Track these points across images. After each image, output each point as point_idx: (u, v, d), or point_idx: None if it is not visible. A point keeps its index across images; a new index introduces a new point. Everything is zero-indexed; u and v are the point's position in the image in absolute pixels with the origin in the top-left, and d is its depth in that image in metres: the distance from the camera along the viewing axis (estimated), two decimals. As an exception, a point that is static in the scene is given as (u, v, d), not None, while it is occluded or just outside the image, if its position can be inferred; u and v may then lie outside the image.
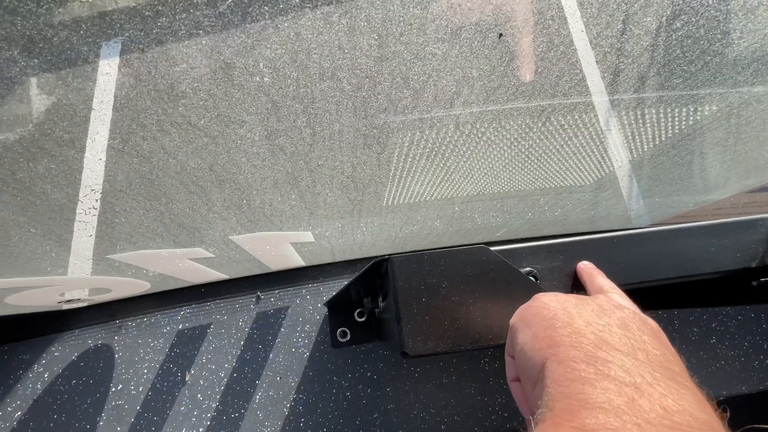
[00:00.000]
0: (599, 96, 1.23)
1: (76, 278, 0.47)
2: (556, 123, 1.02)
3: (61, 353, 0.56)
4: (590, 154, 0.99)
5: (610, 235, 0.39)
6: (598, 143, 1.01)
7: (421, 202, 0.81)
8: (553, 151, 0.96)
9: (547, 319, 0.31)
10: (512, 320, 0.34)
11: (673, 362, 0.28)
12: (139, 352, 0.57)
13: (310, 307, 0.61)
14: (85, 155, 2.21)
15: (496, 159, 0.96)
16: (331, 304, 0.58)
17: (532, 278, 0.37)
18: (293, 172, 1.11)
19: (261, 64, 1.46)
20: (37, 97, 2.05)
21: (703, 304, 0.58)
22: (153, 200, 1.71)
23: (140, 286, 0.54)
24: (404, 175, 0.93)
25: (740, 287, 0.41)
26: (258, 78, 1.46)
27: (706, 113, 1.02)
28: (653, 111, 1.10)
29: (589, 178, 0.92)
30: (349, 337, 0.59)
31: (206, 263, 0.52)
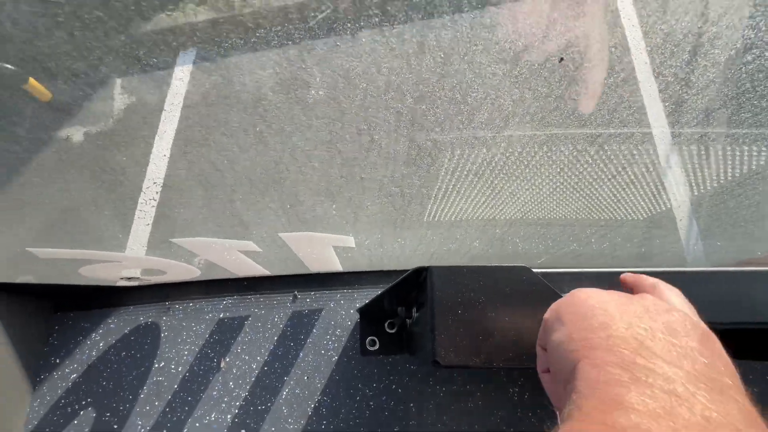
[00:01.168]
0: (659, 127, 1.17)
1: (140, 257, 0.52)
2: (609, 152, 0.98)
3: (115, 326, 0.61)
4: (645, 187, 0.94)
5: (664, 270, 0.37)
6: (655, 177, 0.96)
7: (463, 220, 0.80)
8: (605, 180, 0.92)
9: (585, 318, 0.29)
10: (546, 314, 0.32)
11: (723, 373, 0.25)
12: (182, 334, 0.60)
13: (342, 312, 0.63)
14: (152, 151, 2.41)
15: (544, 184, 0.94)
16: (363, 312, 0.59)
17: None
18: (347, 176, 1.15)
19: (336, 74, 1.54)
20: (120, 96, 2.28)
21: (758, 357, 0.52)
22: (208, 197, 1.82)
23: (191, 272, 0.58)
24: (449, 191, 0.94)
25: None
26: (331, 86, 1.54)
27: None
28: (718, 147, 1.03)
29: (641, 212, 0.87)
30: (377, 346, 0.59)
31: (253, 257, 0.55)
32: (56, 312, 0.60)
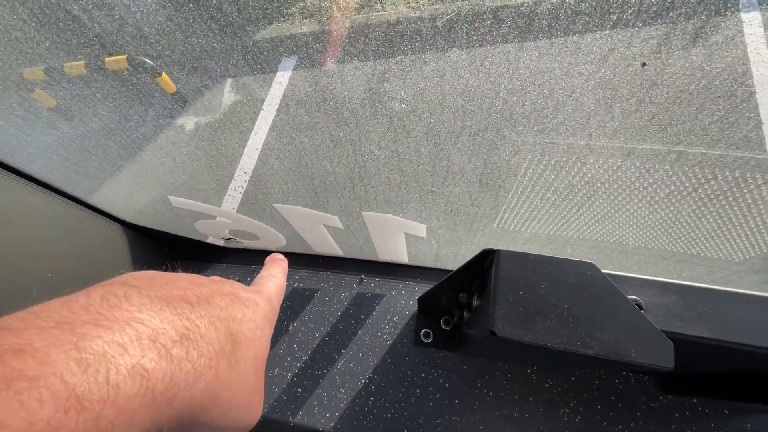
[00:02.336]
0: None
1: (242, 217, 0.61)
2: (721, 178, 0.89)
3: (210, 278, 0.71)
4: (747, 222, 0.83)
5: (744, 291, 0.35)
6: (758, 212, 0.85)
7: (533, 233, 0.79)
8: (693, 207, 0.84)
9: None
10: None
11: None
12: (261, 295, 0.69)
13: (402, 301, 0.67)
14: (247, 144, 2.70)
15: (622, 205, 0.89)
16: (422, 302, 0.62)
17: (636, 306, 0.35)
18: (434, 169, 1.22)
19: (418, 102, 1.66)
20: (228, 93, 2.60)
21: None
22: (289, 191, 2.00)
23: (279, 240, 0.66)
24: (521, 201, 0.94)
25: None
26: (412, 102, 1.65)
27: None
28: None
29: (739, 252, 0.78)
30: (431, 339, 0.62)
31: (334, 234, 0.62)
32: (168, 258, 0.73)
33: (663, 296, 0.36)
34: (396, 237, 0.55)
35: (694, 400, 0.54)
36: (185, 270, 0.72)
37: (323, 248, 0.66)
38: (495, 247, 0.39)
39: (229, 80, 2.69)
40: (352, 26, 2.52)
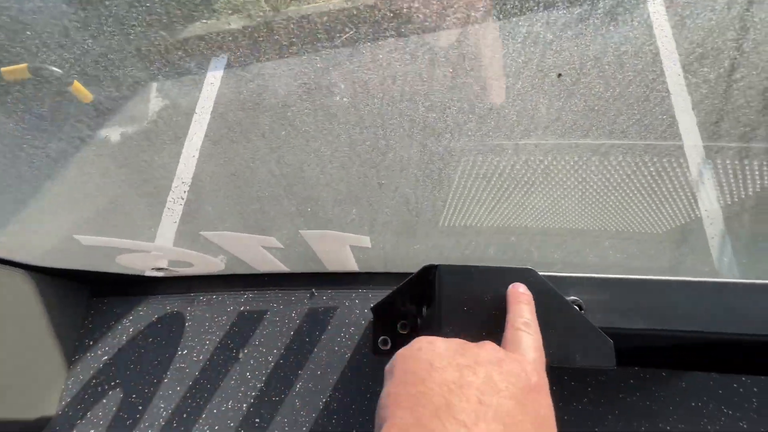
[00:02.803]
0: (691, 140, 1.15)
1: (170, 247, 0.56)
2: (632, 163, 0.98)
3: (144, 313, 0.65)
4: (668, 200, 0.92)
5: (674, 278, 0.37)
6: (680, 190, 0.94)
7: (477, 226, 0.81)
8: (622, 191, 0.91)
9: (407, 372, 0.29)
10: (387, 365, 0.32)
11: None
12: (205, 325, 0.64)
13: (357, 311, 0.65)
14: (182, 152, 2.52)
15: (560, 192, 0.94)
16: (376, 310, 0.60)
17: (576, 307, 0.36)
18: (364, 180, 1.20)
19: (356, 85, 1.62)
20: (155, 99, 2.40)
21: (749, 371, 0.50)
22: (232, 196, 1.89)
23: (216, 266, 0.61)
24: (462, 197, 0.96)
25: None
26: (352, 95, 1.62)
27: None
28: (753, 162, 1.00)
29: (663, 225, 0.85)
30: (389, 346, 0.61)
31: (275, 253, 0.58)
32: (92, 297, 0.65)
33: (601, 293, 0.37)
34: (341, 250, 0.53)
35: (636, 369, 0.58)
36: (112, 308, 0.64)
37: (267, 266, 0.62)
38: (437, 262, 0.38)
39: (155, 84, 2.48)
40: (284, 19, 2.41)
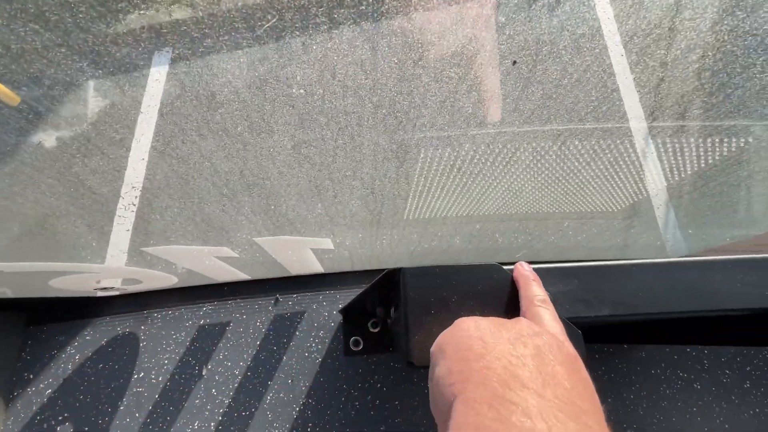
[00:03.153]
0: (636, 120, 1.20)
1: (113, 267, 0.51)
2: (586, 146, 1.01)
3: (91, 337, 0.59)
4: (618, 179, 0.97)
5: (631, 262, 0.38)
6: (627, 169, 0.99)
7: (440, 217, 0.81)
8: (580, 173, 0.94)
9: (463, 350, 0.31)
10: (433, 347, 0.33)
11: (584, 396, 0.28)
12: (162, 343, 0.59)
13: (325, 313, 0.62)
14: (130, 154, 2.36)
15: (516, 179, 0.96)
16: (346, 312, 0.59)
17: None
18: (316, 182, 1.16)
19: (291, 81, 1.55)
20: (93, 99, 2.21)
21: (731, 343, 0.54)
22: (187, 199, 1.79)
23: (169, 280, 0.57)
24: (423, 190, 0.95)
25: (765, 328, 0.38)
26: (287, 93, 1.55)
27: (741, 145, 0.98)
28: (691, 139, 1.07)
29: (616, 204, 0.89)
30: (361, 346, 0.59)
31: (230, 262, 0.54)
32: (29, 326, 0.59)
33: (566, 283, 0.37)
34: (302, 254, 0.51)
35: (599, 344, 0.60)
36: (53, 336, 0.59)
37: (225, 276, 0.59)
38: (404, 255, 0.37)
39: (92, 83, 2.29)
40: (232, 7, 2.28)
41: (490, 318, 0.34)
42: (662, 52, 1.33)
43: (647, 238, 0.89)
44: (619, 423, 0.60)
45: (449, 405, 0.28)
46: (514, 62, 0.98)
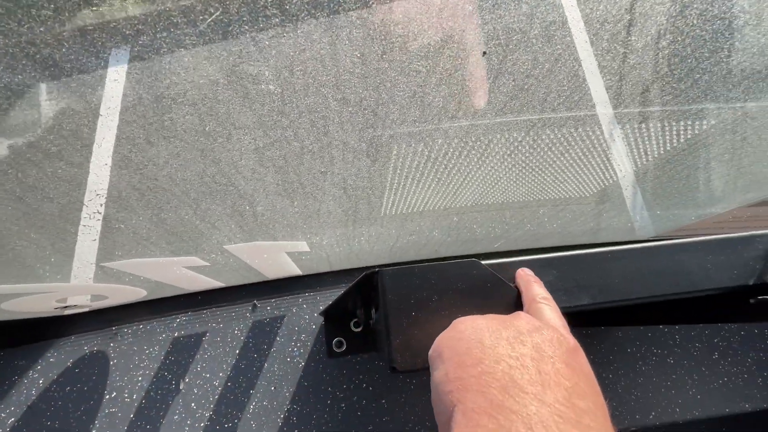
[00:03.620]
0: (602, 106, 1.23)
1: (73, 285, 0.47)
2: (556, 134, 1.03)
3: (56, 359, 0.56)
4: (588, 166, 0.99)
5: (606, 250, 0.39)
6: (599, 155, 1.01)
7: (417, 212, 0.80)
8: (552, 162, 0.96)
9: (460, 354, 0.30)
10: (431, 351, 0.33)
11: (585, 394, 0.27)
12: (134, 360, 0.56)
13: (306, 316, 0.61)
14: (92, 160, 2.23)
15: (490, 170, 0.97)
16: (327, 314, 0.57)
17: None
18: (283, 184, 1.13)
19: (244, 80, 1.51)
20: (46, 103, 2.08)
21: (700, 320, 0.57)
22: (153, 206, 1.72)
23: (137, 294, 0.54)
24: (398, 186, 0.94)
25: (738, 305, 0.40)
26: (242, 93, 1.50)
27: (704, 128, 1.02)
28: (656, 124, 1.11)
29: (588, 190, 0.91)
30: (345, 347, 0.58)
31: (201, 271, 0.52)
32: None
33: (545, 273, 0.37)
34: (277, 258, 0.49)
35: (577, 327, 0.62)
36: (13, 361, 0.55)
37: (198, 285, 0.56)
38: (382, 252, 0.36)
39: (43, 86, 2.15)
40: (193, 2, 2.19)
41: (488, 316, 0.33)
42: (632, 38, 1.37)
43: (618, 221, 0.92)
44: (600, 403, 0.62)
45: (449, 414, 0.28)
46: (484, 53, 0.98)
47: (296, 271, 0.59)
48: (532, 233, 0.68)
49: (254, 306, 0.61)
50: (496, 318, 0.33)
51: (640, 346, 0.64)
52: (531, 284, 0.37)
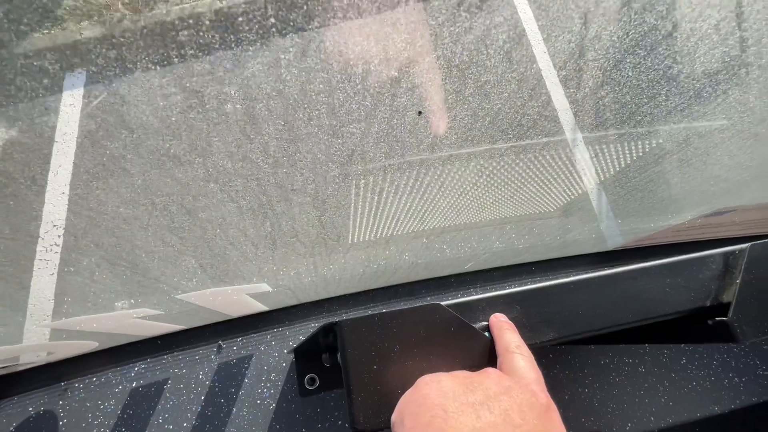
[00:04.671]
0: (568, 125, 1.29)
1: (11, 348, 0.43)
2: (518, 160, 1.07)
3: (-3, 424, 0.51)
4: (558, 185, 1.03)
5: (569, 280, 0.39)
6: (563, 174, 1.06)
7: (385, 238, 0.80)
8: (512, 181, 0.99)
9: (422, 424, 0.28)
10: (393, 416, 0.31)
11: None
12: (87, 417, 0.52)
13: (275, 353, 0.58)
14: (47, 190, 2.12)
15: (463, 196, 0.99)
16: (296, 351, 0.55)
17: (488, 333, 0.36)
18: (256, 218, 1.10)
19: (210, 112, 1.48)
20: (-5, 131, 1.96)
21: (665, 342, 0.58)
22: (121, 232, 1.64)
23: (86, 346, 0.50)
24: (365, 216, 0.94)
25: (698, 326, 0.41)
26: (211, 119, 1.47)
27: (658, 153, 1.10)
28: (613, 147, 1.18)
29: (553, 205, 0.94)
30: (317, 384, 0.56)
31: (156, 319, 0.49)
32: None
33: (509, 309, 0.37)
34: (239, 300, 0.46)
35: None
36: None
37: (154, 331, 0.53)
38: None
39: (-10, 113, 2.04)
40: (149, 23, 2.13)
41: (455, 374, 0.31)
42: (588, 80, 1.43)
43: (584, 233, 0.95)
44: (577, 417, 0.62)
45: None
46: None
47: (261, 307, 0.56)
48: (502, 251, 0.68)
49: (219, 347, 0.58)
50: (464, 379, 0.31)
51: (612, 357, 0.65)
52: (504, 332, 0.36)
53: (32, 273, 1.74)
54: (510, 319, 0.36)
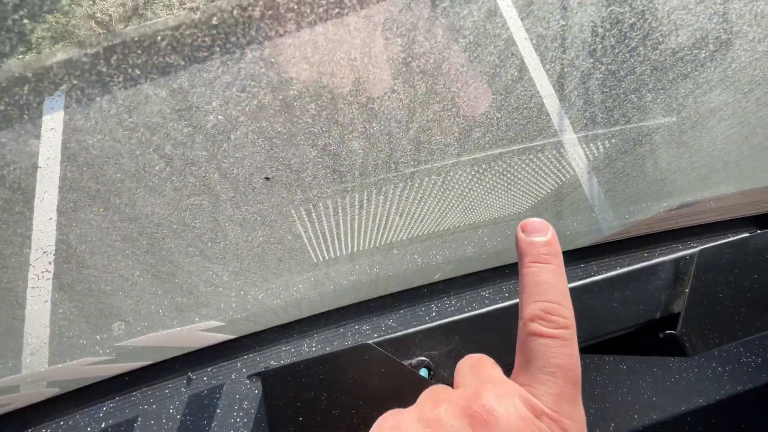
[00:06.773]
0: (566, 133, 1.28)
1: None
2: (513, 163, 1.06)
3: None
4: (518, 186, 1.03)
5: (511, 303, 0.38)
6: (553, 176, 1.05)
7: (350, 254, 0.79)
8: (478, 187, 0.98)
9: None
10: None
11: None
12: (55, 462, 0.51)
13: (246, 381, 0.57)
14: (34, 216, 2.11)
15: (425, 200, 0.98)
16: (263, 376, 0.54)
17: (424, 369, 0.34)
18: (200, 248, 1.10)
19: (176, 134, 1.47)
20: (-25, 162, 1.96)
21: (621, 354, 0.57)
22: (117, 254, 1.64)
23: (47, 393, 0.49)
24: (332, 232, 0.93)
25: (649, 340, 0.40)
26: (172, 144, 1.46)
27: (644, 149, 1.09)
28: (602, 142, 1.18)
29: (523, 205, 0.93)
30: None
31: (113, 361, 0.48)
32: None
33: (447, 341, 0.35)
34: (195, 337, 0.45)
35: None
36: None
37: (117, 370, 0.52)
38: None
39: (-30, 144, 2.03)
40: (125, 41, 2.11)
41: (412, 412, 0.28)
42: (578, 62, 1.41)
43: (558, 229, 0.94)
44: (560, 421, 0.61)
45: None
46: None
47: (226, 336, 0.55)
48: (474, 255, 0.67)
49: (189, 379, 0.57)
50: (422, 415, 0.28)
51: (592, 356, 0.64)
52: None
53: (26, 302, 1.75)
54: (448, 351, 0.35)
